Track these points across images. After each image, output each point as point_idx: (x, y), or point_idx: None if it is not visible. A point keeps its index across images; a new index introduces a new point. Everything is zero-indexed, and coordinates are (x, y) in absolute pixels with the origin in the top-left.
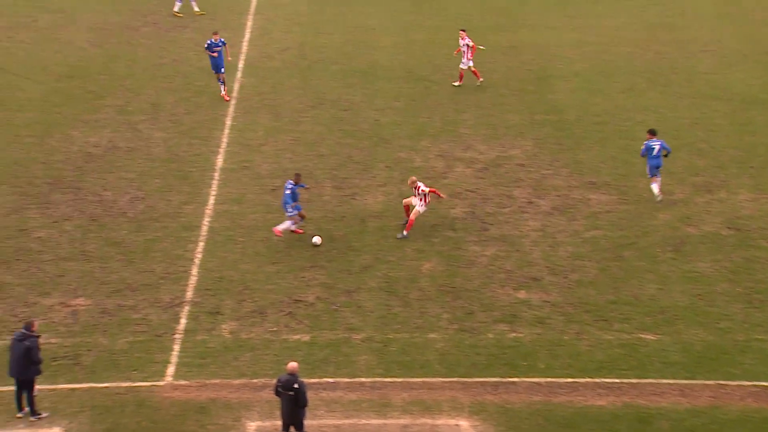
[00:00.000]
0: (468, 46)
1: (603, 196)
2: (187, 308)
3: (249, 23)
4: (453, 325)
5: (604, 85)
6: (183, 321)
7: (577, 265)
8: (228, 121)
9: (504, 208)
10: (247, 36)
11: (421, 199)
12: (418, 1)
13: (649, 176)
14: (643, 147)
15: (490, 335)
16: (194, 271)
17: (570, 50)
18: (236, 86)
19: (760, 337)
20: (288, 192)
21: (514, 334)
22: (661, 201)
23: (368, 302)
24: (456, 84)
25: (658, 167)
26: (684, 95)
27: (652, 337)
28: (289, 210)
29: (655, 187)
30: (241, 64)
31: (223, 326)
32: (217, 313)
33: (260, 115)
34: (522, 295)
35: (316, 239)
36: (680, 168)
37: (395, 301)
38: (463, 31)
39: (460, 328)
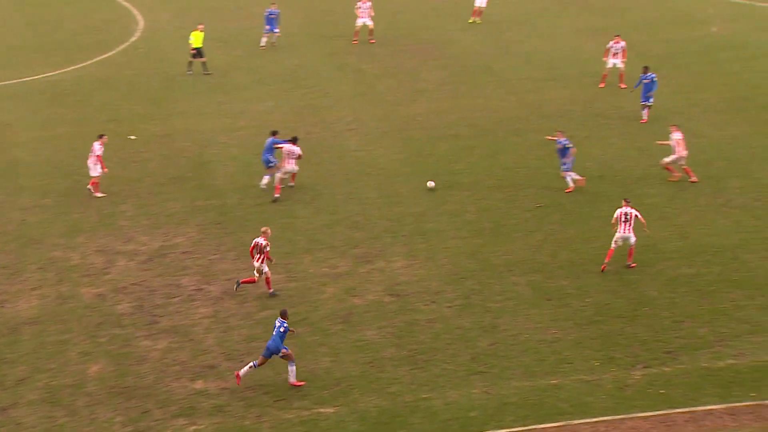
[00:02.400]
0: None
1: (274, 275)
2: None
3: None
4: (127, 428)
5: (258, 167)
6: None
7: (252, 347)
8: None
9: (173, 298)
10: None
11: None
12: (57, 94)
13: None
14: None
15: None
16: None
17: (224, 135)
18: None
19: (425, 396)
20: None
21: (194, 427)
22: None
23: (28, 418)
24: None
25: (267, 162)
26: (336, 172)
27: (331, 410)
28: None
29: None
30: None
31: None
32: None
33: None
34: (199, 385)
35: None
36: (341, 242)
37: (60, 411)
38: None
39: (135, 430)
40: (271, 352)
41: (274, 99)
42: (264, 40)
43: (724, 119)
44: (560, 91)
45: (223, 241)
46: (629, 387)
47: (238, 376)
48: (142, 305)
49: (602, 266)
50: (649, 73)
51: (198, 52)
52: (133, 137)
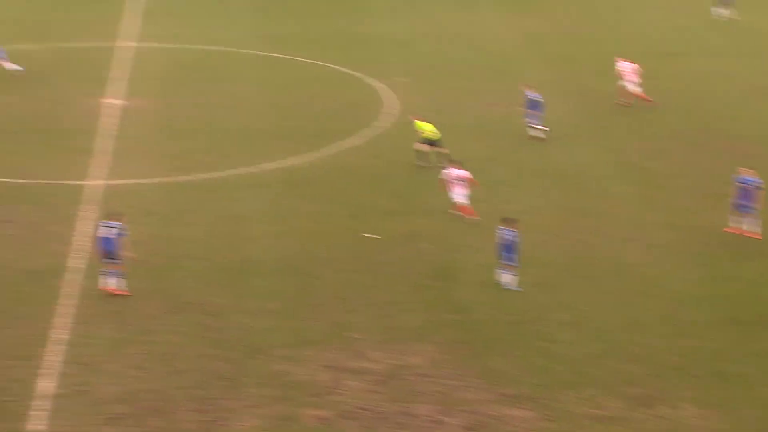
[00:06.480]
0: None
1: (524, 411)
2: None
3: (83, 213)
4: None
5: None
6: None
7: None
8: (59, 335)
9: (403, 429)
10: (83, 229)
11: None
12: (293, 182)
13: None
14: None
15: None
16: None
17: (474, 240)
18: (74, 292)
19: None
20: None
21: None
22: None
23: None
24: None
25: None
26: (610, 290)
27: None
28: None
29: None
30: (77, 264)
31: None
32: None
33: (101, 326)
34: None
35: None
36: (611, 377)
37: None
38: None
39: None
40: None
41: (536, 198)
42: (533, 131)
43: None
44: None
45: (467, 365)
46: None
47: None
48: None
49: None
50: None
51: (431, 143)
52: (376, 236)
